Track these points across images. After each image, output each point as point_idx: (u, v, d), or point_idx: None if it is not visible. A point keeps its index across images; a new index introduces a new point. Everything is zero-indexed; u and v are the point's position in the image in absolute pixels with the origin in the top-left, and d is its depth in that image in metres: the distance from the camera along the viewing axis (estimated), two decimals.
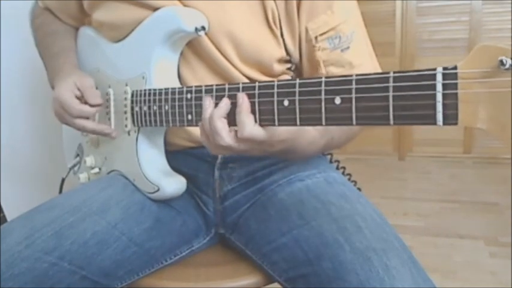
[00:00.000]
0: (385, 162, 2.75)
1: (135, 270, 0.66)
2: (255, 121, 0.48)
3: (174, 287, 0.67)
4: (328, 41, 0.65)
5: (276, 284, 0.65)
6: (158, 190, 0.66)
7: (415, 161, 2.73)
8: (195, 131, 0.67)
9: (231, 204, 0.72)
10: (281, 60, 0.68)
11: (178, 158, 0.71)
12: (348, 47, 0.65)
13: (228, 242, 0.75)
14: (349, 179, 0.74)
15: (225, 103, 0.50)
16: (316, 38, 0.65)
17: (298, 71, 0.71)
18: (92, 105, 0.69)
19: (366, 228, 0.56)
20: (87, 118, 0.70)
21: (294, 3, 0.64)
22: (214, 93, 0.53)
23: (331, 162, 0.77)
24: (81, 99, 0.69)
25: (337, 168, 0.76)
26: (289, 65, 0.70)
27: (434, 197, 2.13)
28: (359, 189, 0.70)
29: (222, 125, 0.49)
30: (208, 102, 0.51)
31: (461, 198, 2.09)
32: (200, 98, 0.54)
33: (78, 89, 0.69)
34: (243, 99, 0.48)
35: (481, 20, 2.50)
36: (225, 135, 0.48)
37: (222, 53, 0.64)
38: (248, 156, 0.70)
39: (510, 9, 2.38)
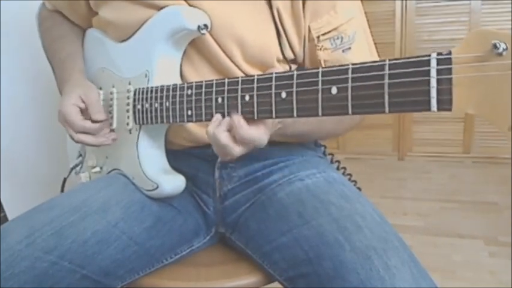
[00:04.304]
0: (385, 162, 2.75)
1: (135, 270, 0.66)
2: (253, 115, 0.49)
3: (175, 287, 0.67)
4: (330, 41, 0.65)
5: (276, 284, 0.65)
6: (157, 188, 0.66)
7: (415, 160, 2.72)
8: (196, 131, 0.67)
9: (231, 204, 0.73)
10: (285, 61, 0.68)
11: (178, 157, 0.71)
12: (350, 48, 0.65)
13: (228, 241, 0.75)
14: (349, 179, 0.74)
15: (225, 120, 0.52)
16: (318, 37, 0.65)
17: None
18: (94, 121, 0.69)
19: (366, 227, 0.56)
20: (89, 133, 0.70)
21: (300, 3, 0.64)
22: (214, 88, 0.53)
23: (332, 162, 0.77)
24: (85, 111, 0.69)
25: (338, 168, 0.76)
26: (293, 66, 0.70)
27: (434, 197, 2.13)
28: (359, 189, 0.70)
29: (225, 137, 0.51)
30: (213, 124, 0.52)
31: (460, 198, 2.09)
32: (200, 94, 0.55)
33: (83, 101, 0.69)
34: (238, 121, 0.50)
35: (480, 20, 2.50)
36: (233, 145, 0.50)
37: (225, 53, 0.65)
38: (248, 156, 0.71)
39: (510, 9, 2.38)
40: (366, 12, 0.70)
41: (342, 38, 0.65)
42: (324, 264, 0.54)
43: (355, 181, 0.75)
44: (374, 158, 2.82)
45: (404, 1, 2.61)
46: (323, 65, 0.65)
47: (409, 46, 2.65)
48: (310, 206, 0.62)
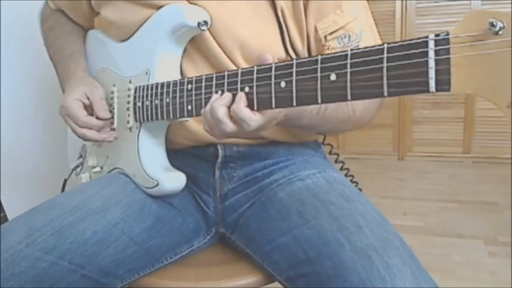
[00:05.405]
0: (384, 162, 2.75)
1: (135, 270, 0.66)
2: (253, 106, 0.50)
3: (175, 287, 0.67)
4: (338, 40, 0.65)
5: (276, 284, 0.65)
6: (157, 185, 0.66)
7: (415, 160, 2.72)
8: (196, 129, 0.67)
9: (232, 204, 0.72)
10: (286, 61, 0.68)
11: (179, 157, 0.71)
12: (358, 46, 0.65)
13: (229, 241, 0.75)
14: (351, 181, 0.74)
15: (227, 95, 0.52)
16: (325, 37, 0.65)
17: None
18: (99, 118, 0.69)
19: (366, 227, 0.56)
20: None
21: (301, 3, 0.64)
22: (214, 82, 0.53)
23: (336, 162, 0.76)
24: (89, 108, 0.70)
25: (342, 169, 0.76)
26: None
27: (433, 197, 2.13)
28: (360, 190, 0.70)
29: (223, 112, 0.50)
30: (214, 97, 0.52)
31: (460, 198, 2.09)
32: (200, 88, 0.55)
33: (88, 98, 0.69)
34: (240, 97, 0.50)
35: None
36: (228, 121, 0.50)
37: (225, 53, 0.65)
38: (248, 156, 0.71)
39: (510, 9, 2.37)
40: None
41: (349, 36, 0.64)
42: (324, 264, 0.54)
43: (356, 182, 0.75)
44: (374, 158, 2.82)
45: (404, 1, 2.61)
46: None
47: None
48: (310, 205, 0.62)
